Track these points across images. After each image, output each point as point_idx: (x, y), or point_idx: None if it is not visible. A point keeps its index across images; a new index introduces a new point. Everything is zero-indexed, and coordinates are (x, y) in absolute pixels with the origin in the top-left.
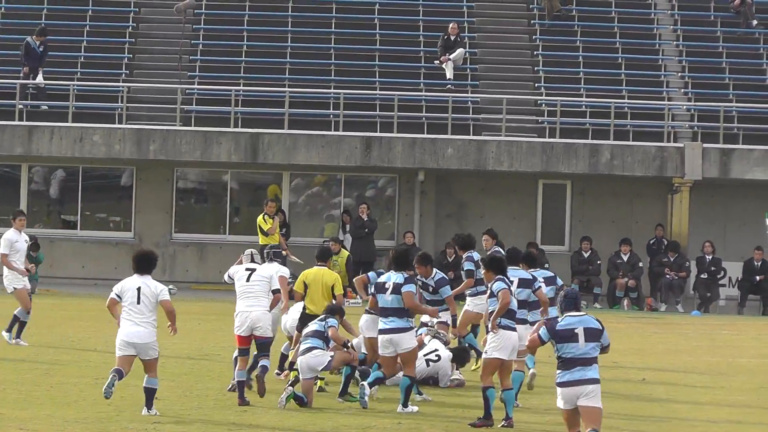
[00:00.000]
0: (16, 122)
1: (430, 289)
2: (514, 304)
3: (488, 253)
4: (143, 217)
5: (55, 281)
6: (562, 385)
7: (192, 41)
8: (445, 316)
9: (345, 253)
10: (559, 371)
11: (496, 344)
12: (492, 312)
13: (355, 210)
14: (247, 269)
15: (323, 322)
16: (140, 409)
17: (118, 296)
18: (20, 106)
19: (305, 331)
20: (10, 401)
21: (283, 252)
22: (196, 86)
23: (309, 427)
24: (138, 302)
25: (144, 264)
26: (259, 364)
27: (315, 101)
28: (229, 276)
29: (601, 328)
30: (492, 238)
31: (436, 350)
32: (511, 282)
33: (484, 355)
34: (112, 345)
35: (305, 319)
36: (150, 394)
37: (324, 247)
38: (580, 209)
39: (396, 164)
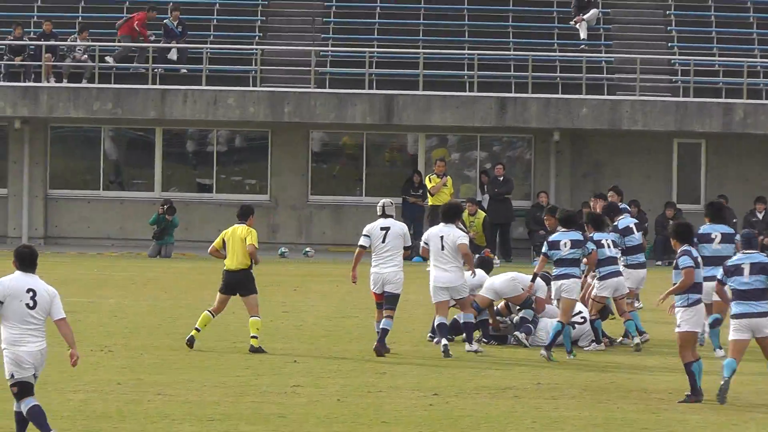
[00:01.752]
0: (149, 86)
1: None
2: (700, 277)
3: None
4: (279, 180)
5: (190, 245)
6: (736, 316)
7: (325, 3)
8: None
9: (482, 214)
10: (733, 303)
11: (689, 316)
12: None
13: (491, 171)
14: (381, 228)
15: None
16: (275, 373)
17: (366, 236)
18: (154, 70)
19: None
20: (147, 366)
21: None
22: (329, 48)
23: (447, 382)
24: (442, 249)
25: (450, 214)
26: (381, 326)
27: (449, 62)
28: (364, 235)
29: None
30: (617, 194)
31: (580, 312)
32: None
33: (677, 330)
34: (241, 312)
35: (226, 275)
36: (468, 329)
37: (245, 206)
38: (714, 168)
39: (531, 124)
